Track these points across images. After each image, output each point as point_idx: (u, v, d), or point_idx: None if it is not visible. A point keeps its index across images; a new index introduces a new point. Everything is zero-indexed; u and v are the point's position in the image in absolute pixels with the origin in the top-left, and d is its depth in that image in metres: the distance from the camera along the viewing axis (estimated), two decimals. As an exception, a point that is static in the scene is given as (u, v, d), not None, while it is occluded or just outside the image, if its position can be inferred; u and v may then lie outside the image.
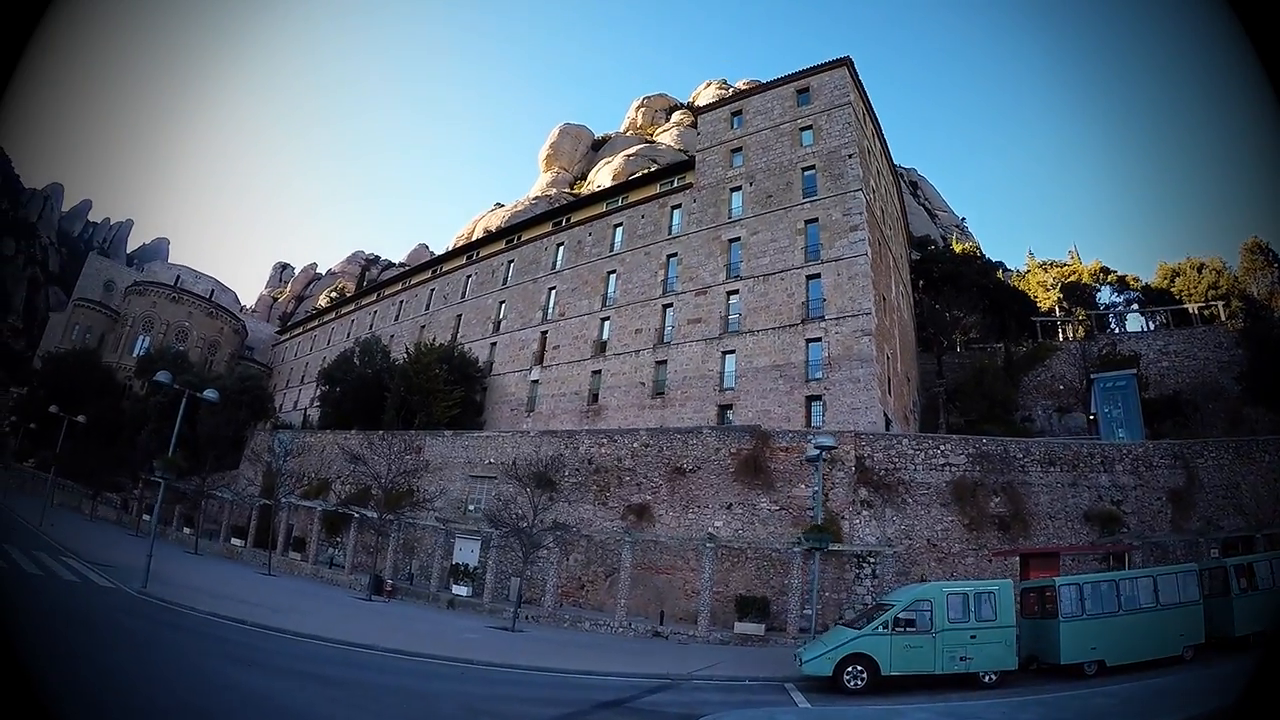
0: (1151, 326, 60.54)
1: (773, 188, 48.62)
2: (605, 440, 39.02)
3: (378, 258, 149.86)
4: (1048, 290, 69.81)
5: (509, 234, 69.39)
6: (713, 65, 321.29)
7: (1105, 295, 66.59)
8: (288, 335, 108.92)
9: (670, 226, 53.34)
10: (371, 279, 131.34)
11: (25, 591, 20.84)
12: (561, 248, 60.71)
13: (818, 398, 41.58)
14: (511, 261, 64.80)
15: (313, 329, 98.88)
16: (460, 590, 36.26)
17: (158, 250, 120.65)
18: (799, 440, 34.92)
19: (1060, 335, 63.77)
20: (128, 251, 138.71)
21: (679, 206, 53.64)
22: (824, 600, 31.13)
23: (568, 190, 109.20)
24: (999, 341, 60.87)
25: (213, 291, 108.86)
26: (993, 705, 15.42)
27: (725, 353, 45.97)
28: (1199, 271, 63.42)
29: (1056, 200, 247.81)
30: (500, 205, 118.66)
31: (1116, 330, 61.39)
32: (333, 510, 44.52)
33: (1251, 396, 45.66)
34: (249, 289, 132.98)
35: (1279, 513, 30.64)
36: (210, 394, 30.46)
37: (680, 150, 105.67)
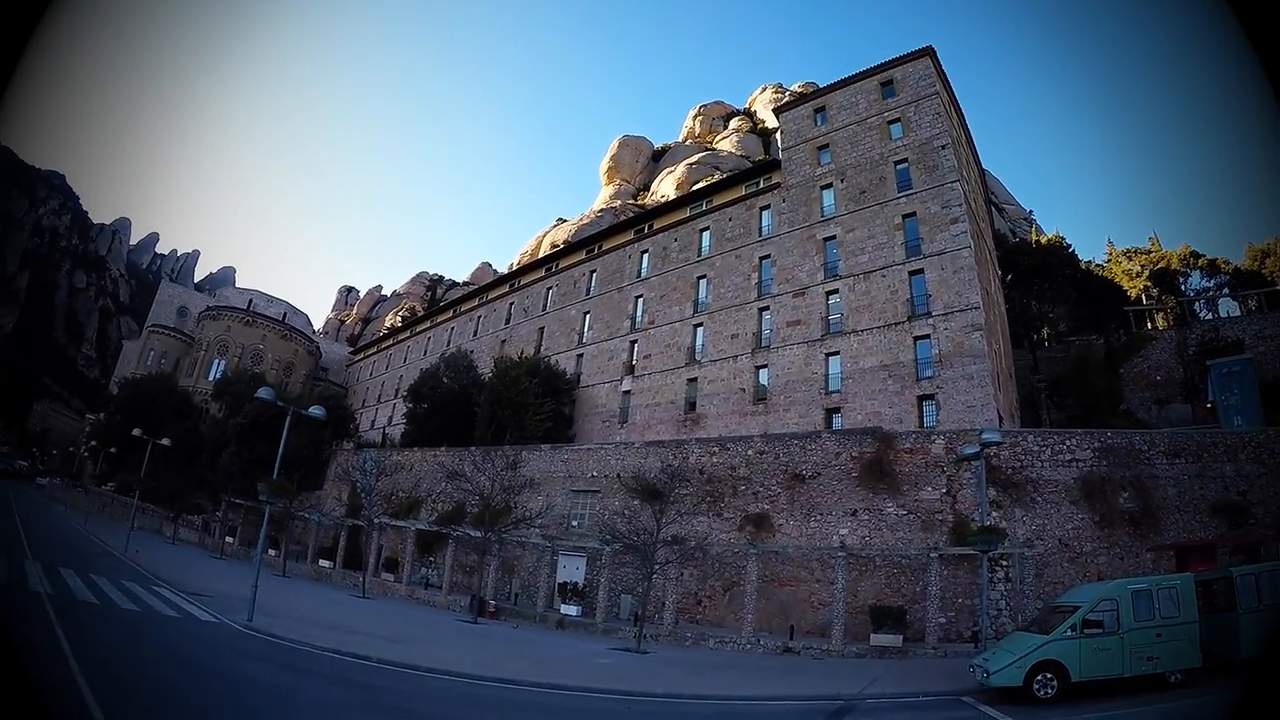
0: (1242, 311, 58.41)
1: (865, 183, 47.80)
2: (717, 448, 38.40)
3: (442, 277, 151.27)
4: (1133, 279, 67.90)
5: (588, 244, 69.19)
6: (766, 70, 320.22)
7: (1195, 280, 64.43)
8: (361, 355, 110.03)
9: (760, 228, 52.65)
10: (437, 298, 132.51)
11: (124, 631, 19.30)
12: (646, 255, 60.32)
13: (930, 397, 40.67)
14: (594, 271, 64.59)
15: (387, 348, 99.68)
16: (569, 610, 35.82)
17: (225, 278, 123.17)
18: (923, 441, 34.18)
19: (1149, 324, 62.00)
20: (195, 281, 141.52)
21: (768, 207, 52.92)
22: (957, 607, 30.48)
23: (631, 201, 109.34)
24: (1089, 334, 59.43)
25: (285, 314, 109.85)
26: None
27: (829, 354, 45.14)
28: None
29: (1127, 188, 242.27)
30: (563, 220, 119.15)
31: (1209, 316, 59.38)
32: (429, 530, 44.41)
33: None
34: (315, 313, 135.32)
35: None
36: (316, 410, 28.98)
37: (742, 156, 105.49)
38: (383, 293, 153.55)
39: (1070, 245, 65.22)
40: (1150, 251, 70.01)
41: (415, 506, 49.44)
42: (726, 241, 54.18)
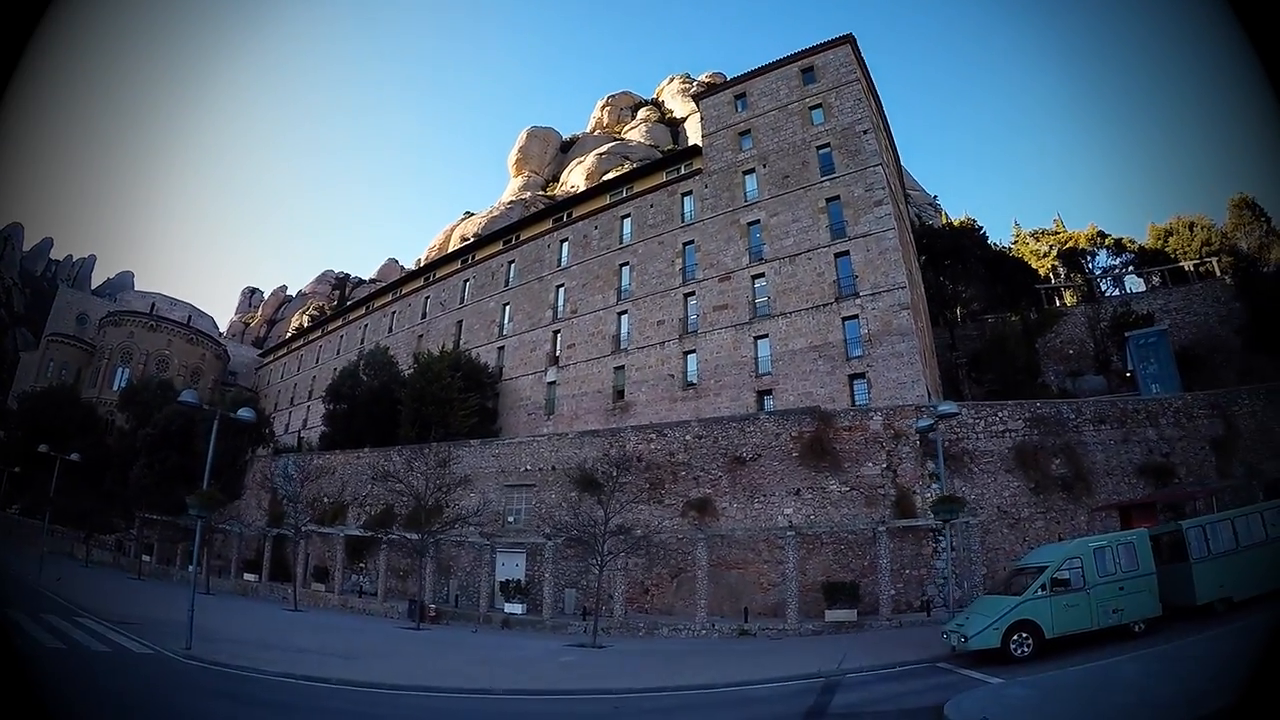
0: (1146, 287, 60.98)
1: (788, 168, 47.86)
2: (654, 435, 37.90)
3: (348, 276, 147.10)
4: (1041, 258, 70.18)
5: (505, 234, 67.65)
6: (672, 60, 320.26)
7: (1103, 259, 66.99)
8: (271, 358, 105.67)
9: (683, 214, 52.25)
10: (345, 297, 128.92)
11: (54, 674, 16.62)
12: (566, 244, 59.24)
13: (861, 375, 40.98)
14: (512, 262, 63.15)
15: (298, 349, 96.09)
16: (514, 608, 34.80)
17: (124, 283, 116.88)
18: (861, 418, 34.45)
19: (1058, 301, 64.09)
20: (93, 286, 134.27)
21: (690, 193, 52.56)
22: (905, 578, 30.79)
23: (541, 193, 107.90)
24: (1003, 311, 60.94)
25: (190, 317, 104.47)
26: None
27: (758, 337, 45.06)
28: (1190, 230, 63.82)
29: (1027, 170, 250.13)
30: (470, 214, 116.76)
31: (1116, 292, 61.78)
32: (361, 535, 42.69)
33: (1252, 346, 46.38)
34: (219, 317, 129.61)
35: None
36: (245, 413, 27.33)
37: (651, 145, 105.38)
38: (288, 293, 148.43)
39: (981, 227, 66.96)
40: (1057, 232, 72.49)
41: (342, 511, 47.60)
42: (649, 228, 53.61)
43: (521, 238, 64.36)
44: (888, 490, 32.54)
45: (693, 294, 49.18)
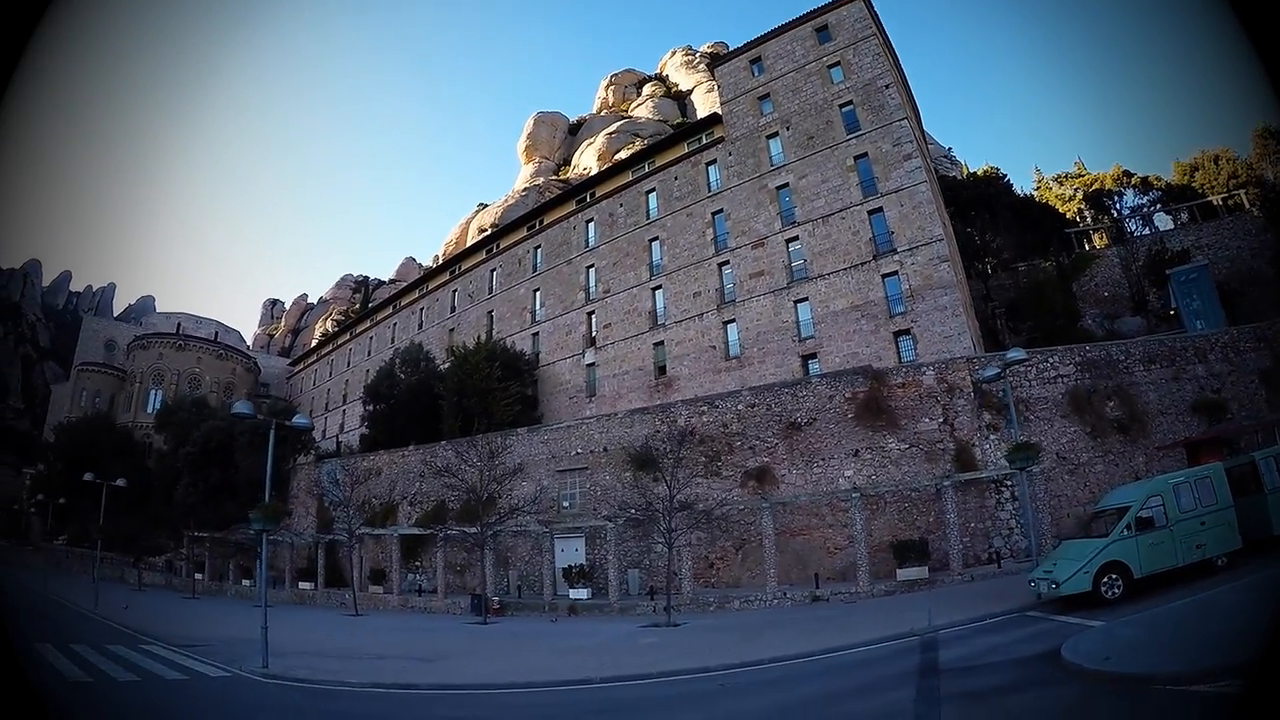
0: (1175, 225, 60.23)
1: (812, 128, 47.43)
2: (705, 407, 37.68)
3: (367, 278, 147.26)
4: (1066, 203, 69.48)
5: (528, 220, 67.43)
6: (673, 34, 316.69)
7: (1130, 199, 66.19)
8: (301, 365, 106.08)
9: (709, 184, 51.94)
10: (366, 299, 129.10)
11: (131, 709, 15.67)
12: (591, 224, 59.06)
13: (905, 332, 40.81)
14: (538, 247, 62.96)
15: (327, 354, 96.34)
16: (579, 594, 34.45)
17: (146, 307, 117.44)
18: (914, 374, 34.25)
19: (1087, 245, 63.46)
20: (115, 314, 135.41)
21: (714, 162, 52.22)
22: (970, 532, 30.56)
23: (554, 177, 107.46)
24: (1033, 259, 60.39)
25: (217, 333, 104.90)
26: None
27: (797, 301, 44.89)
28: (1216, 164, 62.87)
29: (1042, 113, 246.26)
30: (484, 205, 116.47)
31: (1146, 231, 61.09)
32: (418, 533, 42.50)
33: None
34: (242, 331, 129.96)
35: None
36: (301, 420, 27.19)
37: (660, 120, 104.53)
38: (309, 301, 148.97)
39: (1005, 175, 66.25)
40: (1081, 175, 71.61)
41: (392, 512, 47.59)
42: (675, 201, 53.34)
43: (545, 222, 64.10)
44: (946, 445, 32.35)
45: (727, 263, 48.93)
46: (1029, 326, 50.73)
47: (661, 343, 50.54)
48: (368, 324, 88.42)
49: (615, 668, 18.57)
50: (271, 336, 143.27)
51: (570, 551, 37.64)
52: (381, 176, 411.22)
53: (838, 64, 47.77)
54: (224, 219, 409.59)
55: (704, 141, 54.22)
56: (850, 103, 46.34)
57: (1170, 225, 60.32)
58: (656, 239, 53.59)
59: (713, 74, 57.73)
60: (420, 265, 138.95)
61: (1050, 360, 33.78)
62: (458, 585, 41.19)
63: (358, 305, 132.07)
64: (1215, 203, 58.98)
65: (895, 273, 41.81)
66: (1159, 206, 63.66)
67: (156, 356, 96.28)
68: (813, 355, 43.33)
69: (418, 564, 44.94)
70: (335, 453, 67.61)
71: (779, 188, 47.92)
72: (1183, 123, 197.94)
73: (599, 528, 36.29)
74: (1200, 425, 31.68)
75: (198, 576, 55.86)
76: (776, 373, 43.47)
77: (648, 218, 54.86)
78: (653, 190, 55.45)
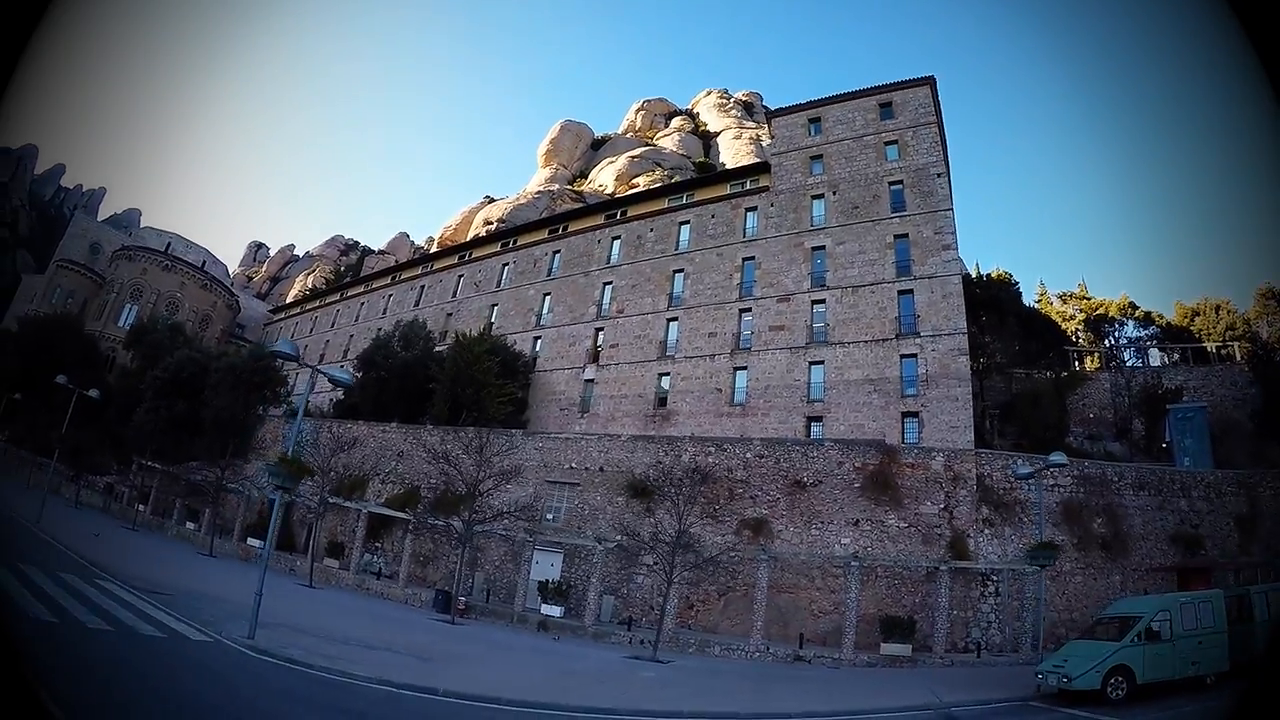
0: (1167, 362, 62.42)
1: (858, 199, 48.39)
2: (713, 448, 37.89)
3: (357, 243, 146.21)
4: (1067, 320, 71.60)
5: (551, 223, 67.76)
6: (712, 74, 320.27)
7: (1130, 329, 68.46)
8: (283, 315, 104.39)
9: (745, 229, 52.51)
10: (359, 264, 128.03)
11: (108, 664, 13.78)
12: (618, 242, 59.18)
13: (914, 414, 41.50)
14: (557, 252, 62.99)
15: (312, 310, 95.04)
16: (551, 610, 33.72)
17: (131, 219, 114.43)
18: (924, 457, 34.97)
19: (1077, 365, 65.36)
20: (99, 220, 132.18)
21: (754, 209, 52.86)
22: (952, 619, 31.12)
23: (568, 187, 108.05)
24: (1028, 367, 61.92)
25: (205, 262, 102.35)
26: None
27: (813, 363, 45.39)
28: (1216, 312, 65.92)
29: (1053, 230, 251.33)
30: (491, 199, 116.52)
31: (1138, 364, 63.15)
32: (395, 514, 41.37)
33: (1263, 432, 48.05)
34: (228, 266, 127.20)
35: None
36: (342, 375, 23.11)
37: (684, 155, 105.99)
38: (295, 253, 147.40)
39: (1017, 283, 67.96)
40: (1087, 298, 73.93)
41: (361, 485, 46.30)
42: (708, 238, 53.84)
43: (569, 229, 64.30)
44: (944, 530, 33.03)
45: (749, 310, 49.40)
46: (1016, 431, 51.87)
47: (667, 374, 50.68)
48: (361, 289, 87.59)
49: (635, 700, 18.12)
50: (250, 279, 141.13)
51: (546, 566, 36.97)
52: (389, 145, 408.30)
53: (894, 142, 48.84)
54: (224, 151, 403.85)
55: (747, 187, 54.93)
56: (900, 182, 47.36)
57: (1163, 362, 62.40)
58: (681, 271, 53.92)
59: (768, 122, 58.51)
60: (412, 242, 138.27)
61: (1051, 469, 34.64)
62: (419, 577, 40.33)
63: (344, 268, 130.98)
64: (1209, 349, 61.21)
65: (915, 355, 42.58)
66: (1155, 343, 65.81)
67: (140, 271, 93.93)
68: (818, 418, 43.84)
69: (378, 545, 43.83)
70: (306, 412, 66.39)
71: (814, 249, 48.65)
72: (1187, 265, 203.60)
73: (582, 546, 36.11)
74: (1177, 554, 33.43)
75: (140, 508, 54.03)
76: (779, 428, 43.91)
77: (676, 248, 55.23)
78: (687, 222, 55.87)
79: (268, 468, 24.40)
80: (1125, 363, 63.27)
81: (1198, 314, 66.94)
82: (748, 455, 36.99)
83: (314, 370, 23.66)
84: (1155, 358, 64.30)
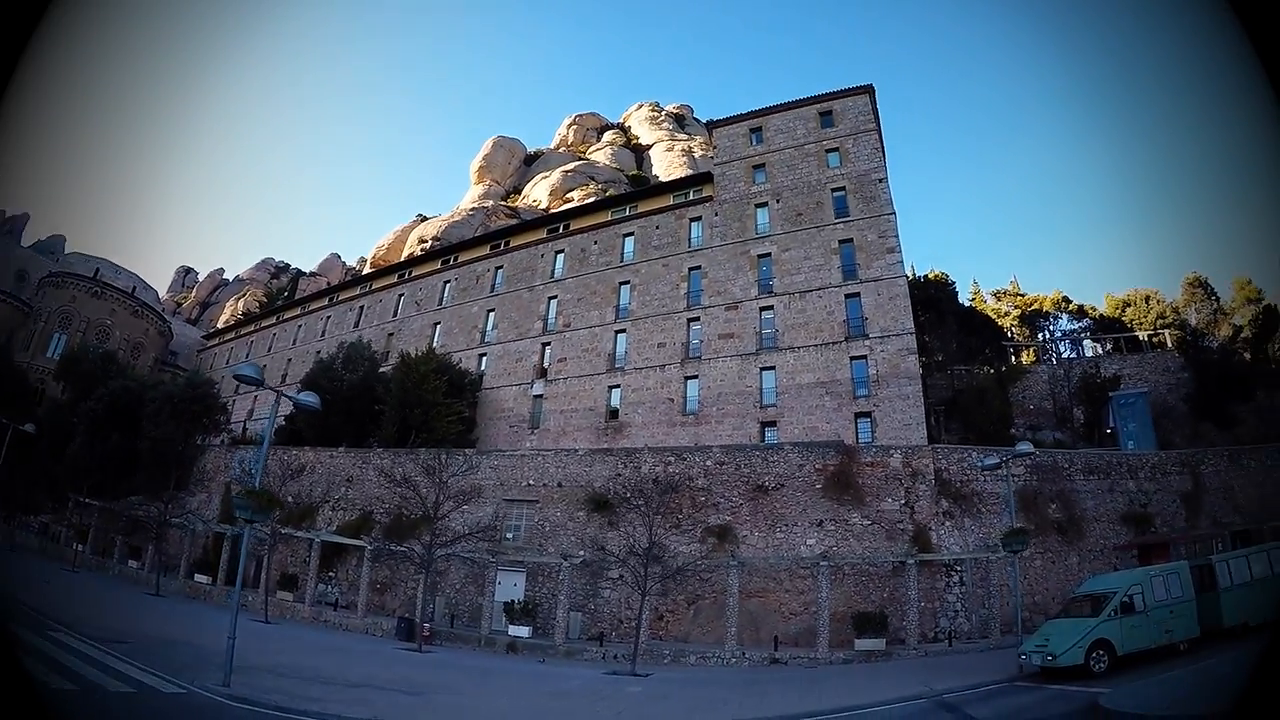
0: (1102, 352, 64.52)
1: (802, 206, 49.06)
2: (673, 458, 37.75)
3: (288, 265, 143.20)
4: (1002, 317, 73.46)
5: (493, 239, 67.11)
6: (642, 88, 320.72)
7: (1064, 323, 70.66)
8: (216, 341, 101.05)
9: (690, 239, 52.80)
10: (294, 287, 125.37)
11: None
12: (561, 255, 58.94)
13: (866, 414, 42.09)
14: (500, 268, 62.41)
15: (247, 334, 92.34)
16: (519, 631, 33.34)
17: (54, 246, 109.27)
18: (883, 455, 35.43)
19: (1017, 359, 67.11)
20: (22, 246, 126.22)
21: (698, 219, 53.22)
22: (920, 610, 31.55)
23: (503, 203, 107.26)
24: (968, 364, 63.41)
25: (135, 288, 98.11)
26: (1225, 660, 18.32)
27: (764, 369, 45.74)
28: (1146, 302, 68.52)
29: (983, 230, 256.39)
30: (424, 217, 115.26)
31: (1073, 355, 65.16)
32: (351, 543, 40.16)
33: (1198, 413, 50.58)
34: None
35: (1270, 507, 35.03)
36: (309, 398, 22.18)
37: (616, 169, 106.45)
38: (224, 277, 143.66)
39: (954, 282, 69.50)
40: (1021, 294, 76.02)
41: (310, 514, 45.05)
42: (653, 249, 53.97)
43: (512, 244, 63.79)
44: (906, 525, 33.54)
45: (697, 319, 49.60)
46: (960, 426, 52.96)
47: (617, 386, 50.47)
48: (297, 311, 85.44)
49: (633, 717, 18.10)
50: (179, 305, 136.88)
51: (509, 586, 36.23)
52: (316, 165, 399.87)
53: (836, 150, 49.77)
54: (148, 173, 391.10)
55: (691, 197, 55.30)
56: (843, 189, 48.22)
57: (1097, 352, 64.46)
58: (628, 283, 53.88)
59: (709, 131, 59.07)
60: (344, 263, 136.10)
61: (1006, 460, 35.63)
62: (376, 605, 39.28)
63: (276, 291, 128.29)
64: (1141, 337, 63.35)
65: (864, 357, 43.22)
66: (1089, 334, 67.88)
67: (69, 298, 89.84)
68: (772, 423, 44.15)
69: (331, 575, 42.58)
70: (245, 440, 64.62)
71: (760, 256, 49.13)
72: (1118, 256, 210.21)
73: (546, 564, 35.76)
74: (1128, 533, 34.99)
75: (79, 547, 51.77)
76: (733, 435, 44.07)
77: (622, 260, 55.20)
78: (631, 234, 55.95)
79: (234, 500, 22.66)
80: (1062, 355, 65.19)
81: (1129, 304, 69.40)
82: (708, 463, 37.00)
83: (278, 394, 22.26)
84: (1089, 349, 66.42)
